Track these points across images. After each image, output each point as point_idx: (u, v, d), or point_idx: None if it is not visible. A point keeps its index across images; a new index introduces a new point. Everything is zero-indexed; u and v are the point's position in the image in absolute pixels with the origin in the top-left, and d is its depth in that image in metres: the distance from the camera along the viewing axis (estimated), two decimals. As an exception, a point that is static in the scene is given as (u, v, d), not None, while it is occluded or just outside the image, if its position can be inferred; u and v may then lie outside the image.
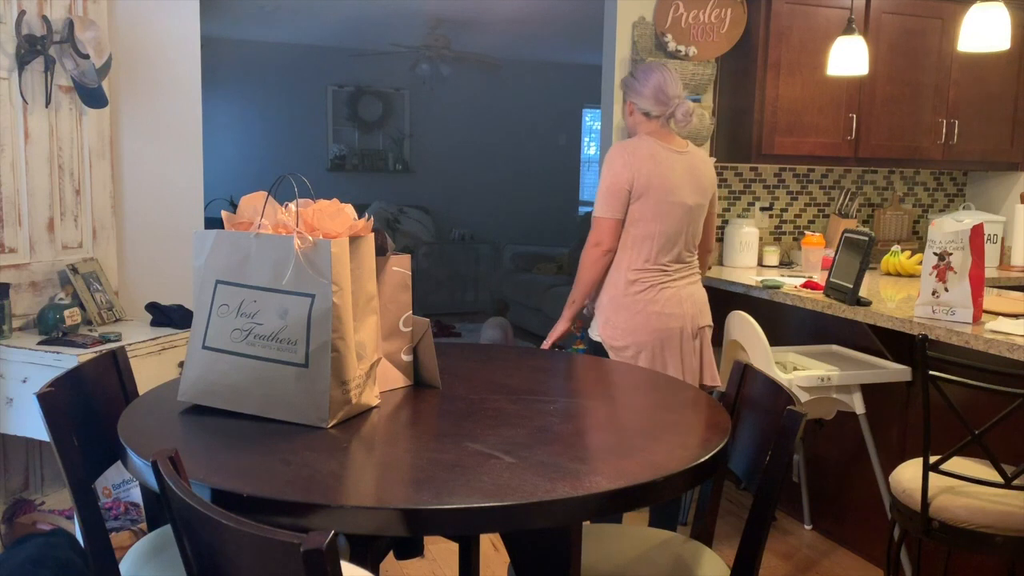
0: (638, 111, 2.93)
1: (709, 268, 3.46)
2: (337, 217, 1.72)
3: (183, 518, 1.17)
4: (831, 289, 3.09)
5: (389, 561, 2.94)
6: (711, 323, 2.98)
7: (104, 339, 2.74)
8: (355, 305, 1.70)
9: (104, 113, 3.14)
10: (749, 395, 1.85)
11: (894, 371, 2.88)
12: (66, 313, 2.82)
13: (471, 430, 1.63)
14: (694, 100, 4.08)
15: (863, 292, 3.13)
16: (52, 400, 1.63)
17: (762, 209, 4.50)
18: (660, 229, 2.84)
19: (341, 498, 1.32)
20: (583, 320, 3.06)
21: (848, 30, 3.72)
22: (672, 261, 2.88)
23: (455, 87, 8.96)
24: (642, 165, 2.82)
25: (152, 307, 3.07)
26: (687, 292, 2.91)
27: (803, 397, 2.81)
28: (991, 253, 4.38)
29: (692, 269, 2.97)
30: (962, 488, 2.15)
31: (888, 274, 3.85)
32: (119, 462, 1.64)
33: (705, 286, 3.81)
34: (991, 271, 4.22)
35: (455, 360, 2.19)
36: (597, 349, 2.91)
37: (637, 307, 2.84)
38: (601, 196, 2.86)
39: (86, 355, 2.57)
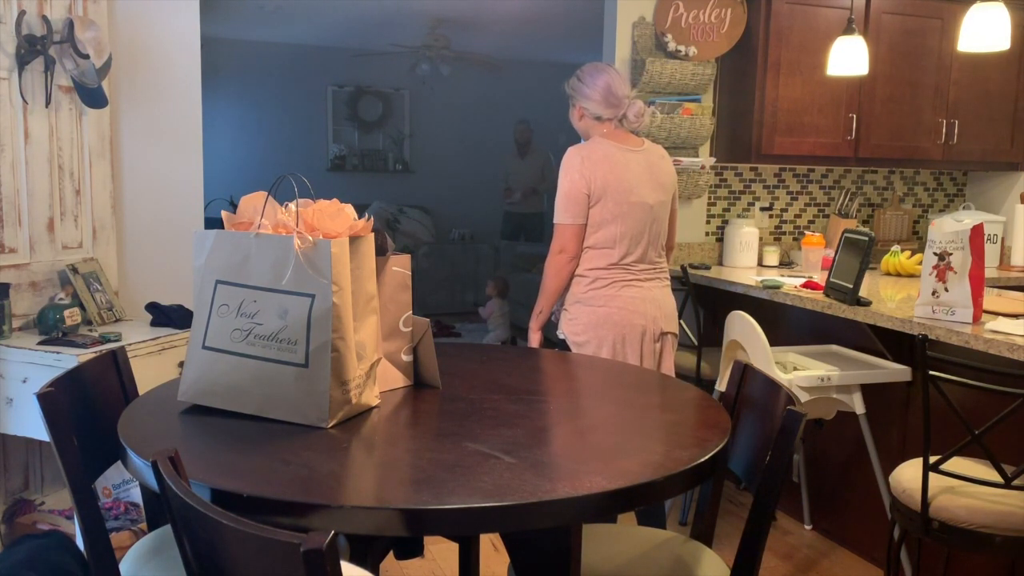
0: (588, 115, 2.88)
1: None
2: (337, 217, 1.72)
3: (183, 518, 1.17)
4: (831, 289, 3.09)
5: (389, 561, 2.95)
6: (676, 331, 2.95)
7: (104, 339, 2.74)
8: (355, 305, 1.70)
9: (104, 113, 3.14)
10: (749, 395, 1.85)
11: (894, 371, 2.88)
12: (66, 313, 2.82)
13: (471, 430, 1.63)
14: (694, 100, 4.08)
15: (863, 292, 3.13)
16: (52, 400, 1.63)
17: (762, 209, 4.50)
18: (622, 230, 2.81)
19: (341, 498, 1.32)
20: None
21: (848, 30, 3.72)
22: (637, 261, 2.85)
23: (455, 87, 8.96)
24: (597, 168, 2.78)
25: (152, 307, 3.07)
26: (652, 295, 2.87)
27: (803, 397, 2.81)
28: (991, 253, 4.38)
29: (660, 272, 2.93)
30: (962, 488, 2.15)
31: (888, 274, 3.85)
32: (119, 462, 1.64)
33: (705, 286, 3.83)
34: (991, 271, 4.22)
35: (455, 360, 2.19)
36: (563, 348, 2.90)
37: (599, 302, 2.81)
38: (560, 203, 2.82)
39: (86, 355, 2.57)
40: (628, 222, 2.81)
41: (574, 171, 2.80)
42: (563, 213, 2.83)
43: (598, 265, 2.83)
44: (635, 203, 2.81)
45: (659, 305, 2.87)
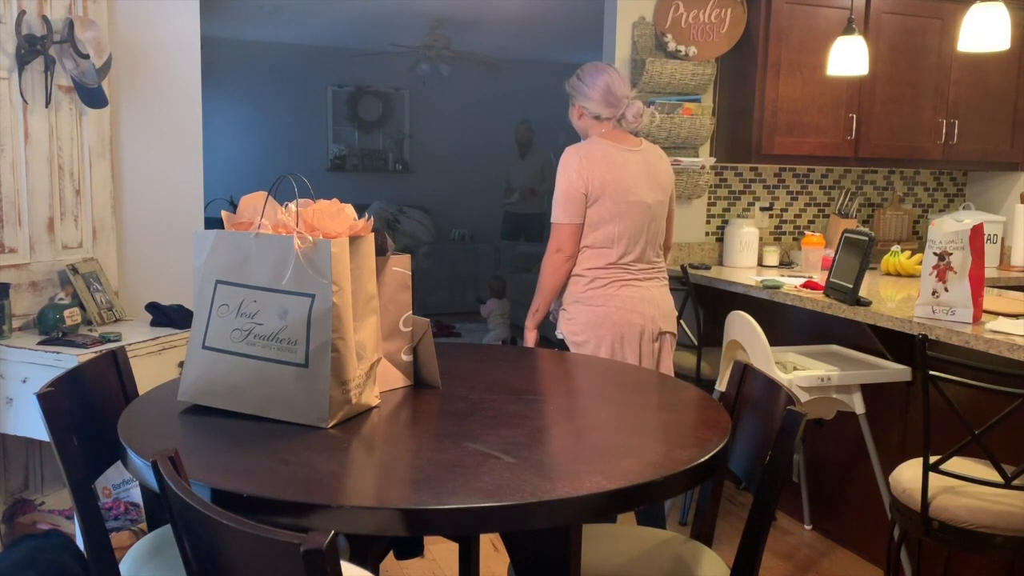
0: (588, 114, 2.89)
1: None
2: (337, 217, 1.72)
3: (183, 518, 1.17)
4: (831, 289, 3.09)
5: (389, 561, 2.94)
6: (675, 331, 2.95)
7: (104, 339, 2.74)
8: (355, 305, 1.70)
9: (104, 113, 3.14)
10: (749, 395, 1.85)
11: (894, 371, 2.88)
12: (66, 313, 2.82)
13: (471, 430, 1.63)
14: (694, 100, 4.08)
15: (863, 292, 3.13)
16: (52, 400, 1.63)
17: (762, 209, 4.50)
18: (620, 230, 2.81)
19: (341, 498, 1.32)
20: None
21: (848, 30, 3.72)
22: (635, 261, 2.85)
23: (455, 87, 8.96)
24: (595, 168, 2.79)
25: (152, 307, 3.07)
26: (650, 294, 2.87)
27: (803, 397, 2.81)
28: (991, 253, 4.38)
29: (658, 271, 2.94)
30: (962, 488, 2.15)
31: (888, 274, 3.85)
32: (119, 462, 1.64)
33: (705, 286, 3.83)
34: (991, 271, 4.22)
35: (455, 360, 2.19)
36: (561, 348, 2.90)
37: (597, 302, 2.82)
38: (558, 202, 2.83)
39: (86, 355, 2.57)
40: (626, 222, 2.81)
41: (572, 170, 2.80)
42: (560, 212, 2.83)
43: (596, 264, 2.83)
44: (633, 203, 2.81)
45: (657, 305, 2.88)
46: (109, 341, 2.73)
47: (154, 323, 3.04)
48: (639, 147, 2.89)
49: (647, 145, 2.93)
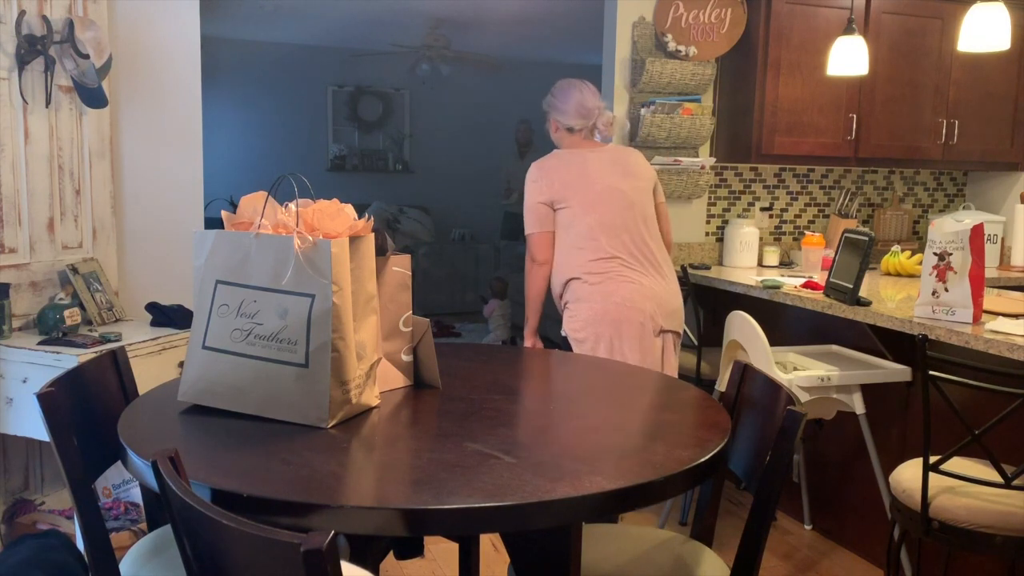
0: (562, 127, 3.07)
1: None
2: (337, 217, 1.72)
3: (183, 518, 1.17)
4: (831, 289, 3.09)
5: (389, 561, 2.95)
6: (679, 330, 2.98)
7: (104, 339, 2.74)
8: (355, 305, 1.70)
9: (104, 113, 3.14)
10: (749, 395, 1.85)
11: (894, 371, 2.88)
12: (66, 313, 2.82)
13: (471, 430, 1.63)
14: (694, 100, 4.08)
15: (863, 292, 3.13)
16: (52, 400, 1.63)
17: (762, 209, 4.50)
18: (596, 219, 2.91)
19: (341, 498, 1.32)
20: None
21: (848, 30, 3.72)
22: (628, 251, 2.92)
23: (455, 87, 8.95)
24: (553, 174, 2.96)
25: (152, 307, 3.07)
26: (652, 291, 2.91)
27: (803, 397, 2.80)
28: (991, 253, 4.38)
29: (660, 265, 2.99)
30: (962, 488, 2.15)
31: (888, 274, 3.85)
32: (119, 462, 1.64)
33: (705, 286, 3.83)
34: (991, 271, 4.22)
35: (455, 360, 2.19)
36: (566, 346, 2.95)
37: (597, 299, 2.88)
38: (526, 214, 2.99)
39: (86, 355, 2.57)
40: (599, 210, 2.90)
41: (531, 183, 2.99)
42: (530, 223, 2.98)
43: (588, 259, 2.91)
44: (601, 191, 2.91)
45: (659, 302, 2.90)
46: (109, 341, 2.73)
47: (154, 323, 3.04)
48: (603, 148, 3.05)
49: (613, 146, 3.09)
